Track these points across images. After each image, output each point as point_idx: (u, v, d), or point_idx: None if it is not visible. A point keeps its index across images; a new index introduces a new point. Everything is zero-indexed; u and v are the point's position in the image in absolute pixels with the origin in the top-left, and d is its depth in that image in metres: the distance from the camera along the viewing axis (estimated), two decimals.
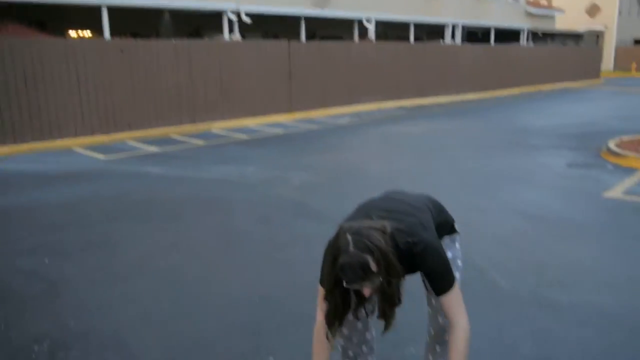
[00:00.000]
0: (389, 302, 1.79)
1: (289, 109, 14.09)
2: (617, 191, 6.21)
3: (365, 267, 1.62)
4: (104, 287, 3.83)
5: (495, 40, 24.69)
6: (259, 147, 9.88)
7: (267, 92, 13.59)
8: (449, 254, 2.15)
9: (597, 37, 37.91)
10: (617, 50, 40.37)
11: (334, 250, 1.69)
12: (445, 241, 2.14)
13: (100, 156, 9.19)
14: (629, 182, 6.63)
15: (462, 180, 6.89)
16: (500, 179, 6.97)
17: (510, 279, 3.84)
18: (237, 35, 13.83)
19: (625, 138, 9.01)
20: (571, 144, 9.45)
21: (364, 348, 2.35)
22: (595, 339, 3.03)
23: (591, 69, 27.56)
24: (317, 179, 7.11)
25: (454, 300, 1.85)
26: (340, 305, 1.84)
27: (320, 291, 1.93)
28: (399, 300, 1.80)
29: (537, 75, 23.35)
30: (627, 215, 5.33)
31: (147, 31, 14.69)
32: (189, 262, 4.31)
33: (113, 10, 12.84)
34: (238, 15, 13.85)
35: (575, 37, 33.75)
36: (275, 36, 17.26)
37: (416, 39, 21.91)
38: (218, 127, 12.46)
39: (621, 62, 39.22)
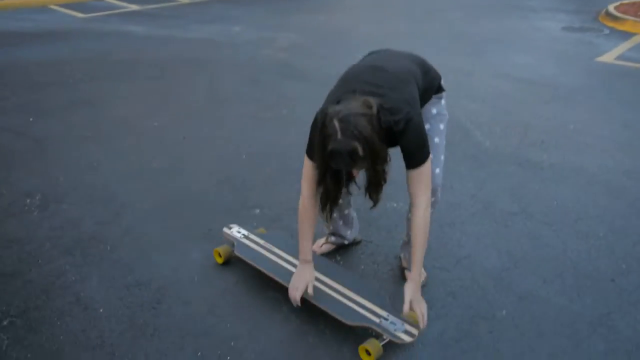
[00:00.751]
0: (374, 184, 1.84)
1: None
2: (610, 56, 6.11)
3: (353, 154, 1.65)
4: (91, 145, 3.85)
5: None
6: (246, 5, 9.43)
7: None
8: (434, 110, 2.15)
9: None
10: None
11: (322, 137, 1.69)
12: (432, 100, 2.13)
13: (79, 14, 8.75)
14: (623, 47, 6.50)
15: (454, 44, 6.72)
16: (491, 41, 6.79)
17: (493, 139, 3.91)
18: None
19: (627, 1, 8.67)
20: (569, 6, 9.10)
21: (341, 222, 2.47)
22: (570, 195, 3.16)
23: None
24: (305, 40, 6.89)
25: (422, 177, 1.89)
26: (333, 188, 1.89)
27: (306, 163, 1.95)
28: (384, 180, 1.84)
29: None
30: (616, 80, 5.30)
31: None
32: (178, 121, 4.30)
33: None
34: None
35: None
36: None
37: None
38: None
39: None
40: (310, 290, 2.09)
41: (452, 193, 3.18)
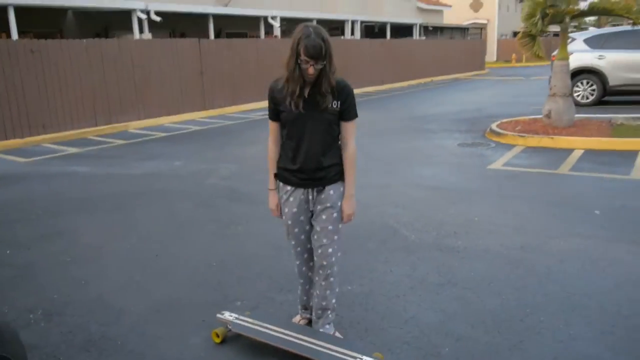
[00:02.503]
0: (326, 77, 2.62)
1: (203, 106, 14.52)
2: (498, 164, 7.46)
3: (320, 48, 2.51)
4: (73, 268, 4.32)
5: (391, 35, 26.30)
6: (180, 144, 10.34)
7: (181, 90, 13.94)
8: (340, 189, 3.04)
9: (481, 30, 41.13)
10: (499, 43, 44.01)
11: (297, 35, 2.54)
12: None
13: (20, 159, 9.24)
14: (507, 156, 7.93)
15: (368, 164, 7.87)
16: (402, 159, 8.02)
17: (417, 234, 4.80)
18: (147, 35, 14.01)
19: (505, 120, 10.48)
20: (461, 127, 10.80)
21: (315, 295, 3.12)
22: (481, 268, 4.03)
23: (477, 60, 30.10)
24: (244, 169, 7.79)
25: (352, 128, 2.80)
26: (298, 76, 2.61)
27: (270, 124, 2.86)
28: (332, 80, 2.64)
29: (429, 67, 25.24)
30: (505, 181, 6.53)
31: (51, 31, 14.46)
32: (146, 243, 4.87)
33: (17, 10, 12.59)
34: (147, 13, 14.03)
35: (461, 30, 36.48)
36: (183, 35, 17.49)
37: None
38: (134, 126, 12.68)
39: (503, 54, 42.81)
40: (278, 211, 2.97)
41: (393, 275, 3.95)
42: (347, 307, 3.48)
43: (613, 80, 12.10)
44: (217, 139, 10.69)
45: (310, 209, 2.91)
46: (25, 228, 5.36)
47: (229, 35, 19.14)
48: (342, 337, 3.04)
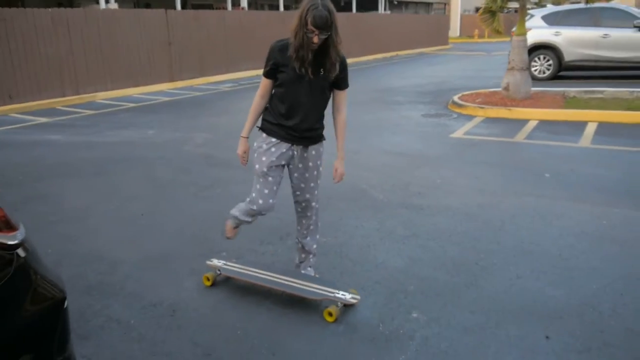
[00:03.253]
0: (335, 49, 2.83)
1: (171, 77, 14.55)
2: (459, 133, 7.93)
3: (326, 19, 2.70)
4: (62, 226, 4.56)
5: (357, 9, 26.47)
6: (151, 114, 10.47)
7: (149, 61, 13.93)
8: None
9: (444, 5, 41.58)
10: (462, 18, 44.62)
11: (306, 5, 2.72)
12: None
13: None
14: (468, 125, 8.41)
15: None
16: (370, 129, 8.41)
17: (385, 194, 5.21)
18: (113, 4, 13.88)
19: (466, 93, 10.97)
20: (425, 99, 11.25)
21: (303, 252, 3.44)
22: (443, 222, 4.47)
23: (441, 35, 30.61)
24: (217, 137, 8.04)
25: (345, 96, 3.11)
26: (307, 44, 2.77)
27: (263, 80, 3.01)
28: (339, 49, 2.86)
29: (394, 42, 25.60)
30: (465, 148, 7.00)
31: (13, 1, 14.16)
32: (131, 204, 5.14)
33: None
34: None
35: (426, 5, 36.87)
36: (147, 5, 17.32)
37: (285, 7, 22.94)
38: (102, 97, 12.68)
39: (466, 29, 43.46)
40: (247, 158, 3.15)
41: (363, 229, 4.36)
42: (323, 255, 3.86)
43: (568, 55, 12.70)
44: (189, 110, 10.85)
45: (289, 164, 3.16)
46: (9, 192, 5.53)
47: (195, 7, 19.02)
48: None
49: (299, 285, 3.16)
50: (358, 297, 3.10)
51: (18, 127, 9.30)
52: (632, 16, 12.27)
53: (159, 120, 9.71)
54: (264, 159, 3.08)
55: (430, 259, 3.78)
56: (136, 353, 2.76)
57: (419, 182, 5.57)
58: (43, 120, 9.97)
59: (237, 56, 16.48)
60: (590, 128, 7.91)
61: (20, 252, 1.80)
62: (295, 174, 3.18)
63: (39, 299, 1.84)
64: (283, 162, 3.12)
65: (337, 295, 3.05)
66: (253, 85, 14.56)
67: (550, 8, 13.72)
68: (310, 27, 2.73)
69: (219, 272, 3.42)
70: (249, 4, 19.87)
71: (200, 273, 3.57)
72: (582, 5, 11.37)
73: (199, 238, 4.25)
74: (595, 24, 12.43)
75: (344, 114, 3.17)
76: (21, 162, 6.78)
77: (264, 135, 3.11)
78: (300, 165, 3.16)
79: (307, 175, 3.17)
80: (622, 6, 13.41)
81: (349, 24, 22.14)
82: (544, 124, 8.35)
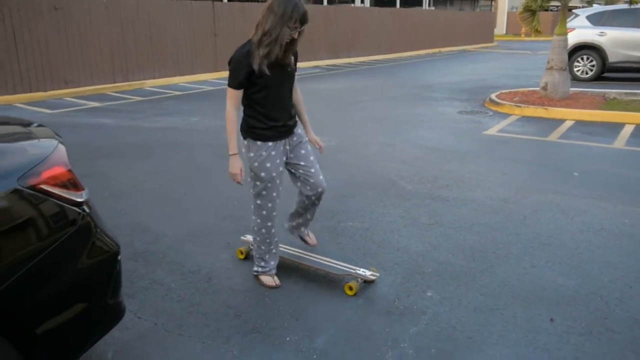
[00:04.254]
0: (295, 44, 3.00)
1: (215, 67, 15.02)
2: (493, 130, 8.05)
3: (307, 17, 2.90)
4: (113, 201, 4.98)
5: (401, 4, 26.48)
6: (195, 102, 10.92)
7: (195, 51, 14.44)
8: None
9: (491, 2, 40.98)
10: (509, 15, 43.87)
11: (284, 4, 2.81)
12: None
13: (47, 110, 9.86)
14: (503, 123, 8.51)
15: (375, 125, 8.46)
16: (405, 123, 8.60)
17: (413, 185, 5.43)
18: None
19: (504, 91, 11.00)
20: (463, 96, 11.34)
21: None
22: (466, 214, 4.67)
23: (485, 33, 30.27)
24: None
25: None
26: (283, 39, 2.88)
27: (232, 90, 2.99)
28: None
29: (437, 38, 25.51)
30: (498, 146, 7.13)
31: None
32: (174, 184, 5.52)
33: None
34: None
35: (471, 1, 36.43)
36: None
37: (329, 1, 23.17)
38: (150, 84, 13.24)
39: (512, 27, 42.74)
40: (243, 175, 3.14)
41: (389, 216, 4.60)
42: (350, 237, 4.13)
43: (612, 56, 12.54)
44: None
45: (288, 158, 3.25)
46: None
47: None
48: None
49: (323, 262, 3.44)
50: (377, 274, 3.36)
51: (72, 110, 9.88)
52: None
53: (202, 108, 10.14)
54: (268, 165, 3.11)
55: (449, 246, 4.00)
56: (176, 311, 3.10)
57: (447, 176, 5.76)
58: (94, 104, 10.54)
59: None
60: (627, 130, 7.89)
61: (86, 208, 2.13)
62: (302, 162, 3.26)
63: (99, 250, 2.17)
64: (284, 158, 3.22)
65: (357, 272, 3.32)
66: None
67: (595, 8, 13.55)
68: (297, 23, 2.86)
69: (251, 247, 3.73)
70: None
71: (235, 247, 3.90)
72: (627, 6, 11.20)
73: (234, 217, 4.58)
74: None
75: (299, 90, 3.32)
76: (73, 143, 7.26)
77: (259, 143, 3.10)
78: (301, 151, 3.26)
79: (302, 151, 3.26)
80: None
81: (392, 19, 22.22)
82: (579, 124, 8.37)
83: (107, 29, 12.33)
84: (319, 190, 3.34)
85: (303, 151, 3.28)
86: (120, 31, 12.59)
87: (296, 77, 3.25)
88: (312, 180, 3.30)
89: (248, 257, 3.76)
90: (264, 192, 3.21)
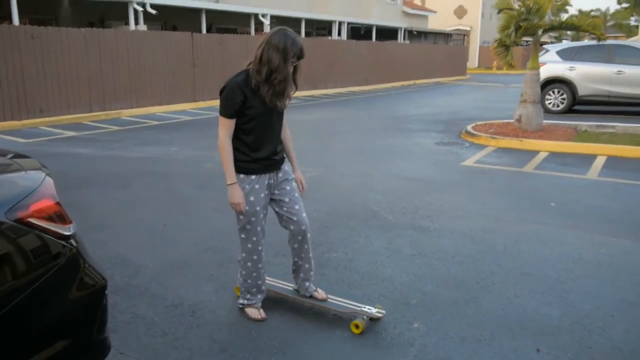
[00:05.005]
0: (296, 76, 3.01)
1: (193, 98, 15.05)
2: (470, 161, 8.19)
3: (303, 53, 2.93)
4: (91, 232, 4.87)
5: (376, 38, 27.03)
6: (174, 132, 10.88)
7: (173, 81, 14.45)
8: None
9: (464, 36, 42.15)
10: (481, 49, 45.12)
11: (283, 39, 2.86)
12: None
13: (21, 140, 9.70)
14: (479, 154, 8.67)
15: (354, 156, 8.53)
16: (384, 154, 8.70)
17: (394, 215, 5.46)
18: (142, 26, 14.49)
19: (480, 123, 11.24)
20: (439, 128, 11.54)
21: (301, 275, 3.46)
22: (448, 244, 4.70)
23: (459, 66, 31.02)
24: None
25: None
26: (288, 74, 2.92)
27: (224, 120, 3.02)
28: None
29: (412, 71, 26.04)
30: (475, 176, 7.24)
31: (46, 18, 14.84)
32: (154, 215, 5.46)
33: None
34: (143, 6, 14.50)
35: (445, 36, 37.41)
36: (174, 28, 17.96)
37: (306, 34, 23.54)
38: (127, 114, 13.17)
39: (484, 60, 43.93)
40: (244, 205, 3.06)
41: (372, 246, 4.61)
42: (333, 268, 4.12)
43: (582, 90, 12.96)
44: (209, 129, 11.25)
45: (273, 194, 3.20)
46: None
47: (220, 31, 19.65)
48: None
49: (331, 300, 3.39)
50: (383, 311, 3.30)
51: (47, 140, 9.74)
52: None
53: (181, 138, 10.10)
54: (252, 198, 3.08)
55: (433, 277, 4.01)
56: (160, 346, 3.03)
57: (427, 206, 5.82)
58: (71, 134, 10.42)
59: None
60: (599, 161, 8.11)
61: (73, 242, 2.09)
62: (286, 199, 3.20)
63: (86, 285, 2.13)
64: (269, 194, 3.18)
65: (363, 309, 3.26)
66: None
67: (565, 43, 14.05)
68: (294, 59, 2.91)
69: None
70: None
71: (218, 279, 3.85)
72: (595, 42, 11.64)
73: (216, 249, 4.54)
74: (610, 60, 12.70)
75: (288, 130, 3.34)
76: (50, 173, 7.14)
77: (242, 176, 3.08)
78: (286, 187, 3.21)
79: (287, 188, 3.21)
80: (636, 44, 13.68)
81: (369, 52, 22.64)
82: (554, 155, 8.58)
83: (84, 59, 12.28)
84: (302, 227, 3.24)
85: (287, 187, 3.23)
86: (98, 61, 12.55)
87: (284, 117, 3.25)
88: (295, 219, 3.22)
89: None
90: (248, 226, 3.17)
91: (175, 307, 3.48)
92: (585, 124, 10.81)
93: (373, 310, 3.28)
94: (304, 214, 3.27)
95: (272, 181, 3.18)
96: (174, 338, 3.11)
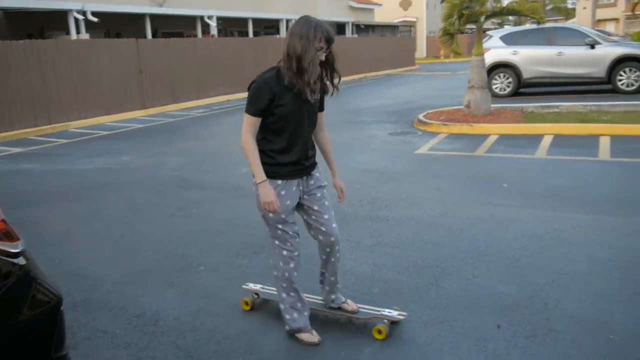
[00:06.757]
0: (335, 64, 2.84)
1: (143, 105, 14.75)
2: (424, 149, 8.33)
3: (332, 35, 2.74)
4: (45, 249, 4.72)
5: None
6: (125, 141, 10.65)
7: (120, 89, 14.12)
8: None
9: (410, 28, 42.77)
10: (428, 39, 45.86)
11: (307, 26, 2.68)
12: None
13: None
14: (432, 142, 8.83)
15: None
16: (339, 148, 8.72)
17: (353, 208, 5.51)
18: (84, 35, 14.10)
19: (431, 111, 11.44)
20: (392, 118, 11.69)
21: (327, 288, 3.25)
22: (407, 232, 4.78)
23: (407, 57, 31.46)
24: (191, 161, 8.28)
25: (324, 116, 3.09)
26: (314, 61, 2.70)
27: (249, 117, 2.78)
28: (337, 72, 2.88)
29: (362, 64, 26.24)
30: (429, 163, 7.38)
31: None
32: (110, 226, 5.33)
33: None
34: (84, 14, 14.11)
35: (392, 28, 37.87)
36: (118, 35, 17.56)
37: (254, 34, 23.41)
38: (75, 126, 12.80)
39: (432, 50, 44.66)
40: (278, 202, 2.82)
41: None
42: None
43: (526, 73, 13.35)
44: (162, 136, 11.07)
45: (302, 200, 2.98)
46: None
47: (166, 35, 19.32)
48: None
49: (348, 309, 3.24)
50: (405, 313, 3.18)
51: None
52: (584, 35, 13.01)
53: (132, 146, 9.90)
54: (276, 206, 2.85)
55: (394, 265, 4.07)
56: (123, 358, 2.97)
57: (385, 196, 5.89)
58: (17, 150, 10.06)
59: (208, 82, 16.77)
60: (547, 140, 8.39)
61: (22, 260, 2.03)
62: (315, 207, 3.01)
63: (40, 302, 2.07)
64: (296, 201, 2.96)
65: (383, 313, 3.15)
66: (224, 110, 14.86)
67: (507, 29, 14.42)
68: (322, 43, 2.71)
69: (256, 296, 3.49)
70: (219, 32, 20.27)
71: (179, 285, 3.80)
72: (535, 26, 12.01)
73: (177, 254, 4.48)
74: (550, 42, 13.12)
75: (326, 130, 3.14)
76: None
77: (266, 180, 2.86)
78: (316, 194, 3.02)
79: (318, 195, 3.02)
80: (574, 25, 14.19)
81: None
82: (503, 138, 8.82)
83: (25, 72, 11.86)
84: (332, 239, 3.04)
85: (318, 194, 3.01)
86: (39, 72, 12.14)
87: (322, 117, 3.08)
88: (323, 229, 3.02)
89: (254, 307, 3.50)
90: (278, 232, 2.94)
91: (137, 318, 3.42)
92: (531, 105, 11.15)
93: (394, 314, 3.14)
94: (334, 225, 3.06)
95: (301, 187, 2.95)
96: (137, 349, 3.06)
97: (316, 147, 3.13)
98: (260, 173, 2.80)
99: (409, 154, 8.07)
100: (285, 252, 2.97)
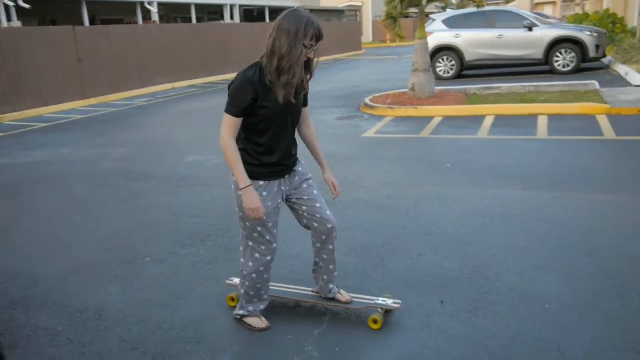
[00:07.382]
0: (314, 63, 2.70)
1: (83, 95, 14.23)
2: (371, 132, 8.41)
3: (322, 32, 2.58)
4: None
5: (270, 19, 26.83)
6: (64, 132, 10.27)
7: (58, 79, 13.57)
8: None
9: (356, 12, 42.88)
10: (374, 24, 46.11)
11: (297, 21, 2.52)
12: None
13: None
14: (379, 125, 8.92)
15: None
16: None
17: None
18: (16, 22, 13.43)
19: (377, 95, 11.55)
20: (339, 103, 11.74)
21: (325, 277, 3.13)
22: (354, 214, 4.83)
23: (354, 41, 31.57)
24: (134, 151, 8.07)
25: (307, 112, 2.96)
26: (301, 60, 2.57)
27: (229, 117, 2.65)
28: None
29: None
30: (375, 146, 7.46)
31: None
32: (50, 221, 5.15)
33: None
34: (15, 1, 13.43)
35: (338, 12, 37.87)
36: (54, 22, 16.83)
37: (198, 20, 22.92)
38: (10, 119, 12.24)
39: (378, 34, 44.96)
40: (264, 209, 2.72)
41: (280, 225, 4.62)
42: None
43: (469, 56, 13.65)
44: (103, 126, 10.72)
45: (288, 198, 2.93)
46: None
47: (105, 22, 18.67)
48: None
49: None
50: (399, 301, 3.10)
51: None
52: (522, 17, 13.39)
53: (73, 138, 9.56)
54: (262, 212, 2.74)
55: (341, 247, 4.10)
56: (65, 355, 2.89)
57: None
58: None
59: (151, 70, 16.34)
60: (488, 121, 8.62)
61: None
62: (304, 197, 2.93)
63: None
64: (279, 201, 2.87)
65: (377, 301, 3.09)
66: (168, 99, 14.53)
67: (450, 12, 14.67)
68: (312, 41, 2.56)
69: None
70: (161, 18, 19.73)
71: (124, 278, 3.72)
72: (476, 10, 12.27)
73: (120, 247, 4.37)
74: (490, 25, 13.44)
75: (312, 125, 3.04)
76: None
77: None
78: (303, 186, 2.95)
79: (304, 186, 2.96)
80: (513, 9, 14.58)
81: (263, 33, 22.34)
82: (447, 119, 9.01)
83: None
84: (329, 226, 2.95)
85: (305, 185, 2.94)
86: None
87: (307, 112, 2.96)
88: (318, 216, 2.93)
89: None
90: (255, 234, 2.86)
91: (80, 313, 3.32)
92: (474, 87, 11.41)
93: (389, 302, 3.08)
94: (329, 212, 2.99)
95: (283, 187, 2.88)
96: (80, 344, 2.98)
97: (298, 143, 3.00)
98: (244, 178, 2.68)
99: (355, 137, 8.13)
100: (257, 255, 2.91)
